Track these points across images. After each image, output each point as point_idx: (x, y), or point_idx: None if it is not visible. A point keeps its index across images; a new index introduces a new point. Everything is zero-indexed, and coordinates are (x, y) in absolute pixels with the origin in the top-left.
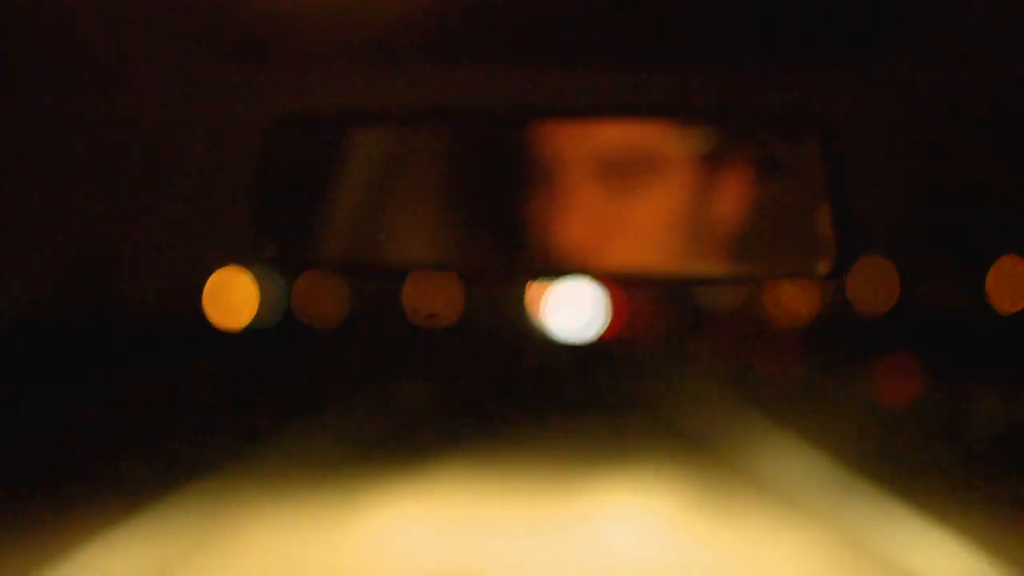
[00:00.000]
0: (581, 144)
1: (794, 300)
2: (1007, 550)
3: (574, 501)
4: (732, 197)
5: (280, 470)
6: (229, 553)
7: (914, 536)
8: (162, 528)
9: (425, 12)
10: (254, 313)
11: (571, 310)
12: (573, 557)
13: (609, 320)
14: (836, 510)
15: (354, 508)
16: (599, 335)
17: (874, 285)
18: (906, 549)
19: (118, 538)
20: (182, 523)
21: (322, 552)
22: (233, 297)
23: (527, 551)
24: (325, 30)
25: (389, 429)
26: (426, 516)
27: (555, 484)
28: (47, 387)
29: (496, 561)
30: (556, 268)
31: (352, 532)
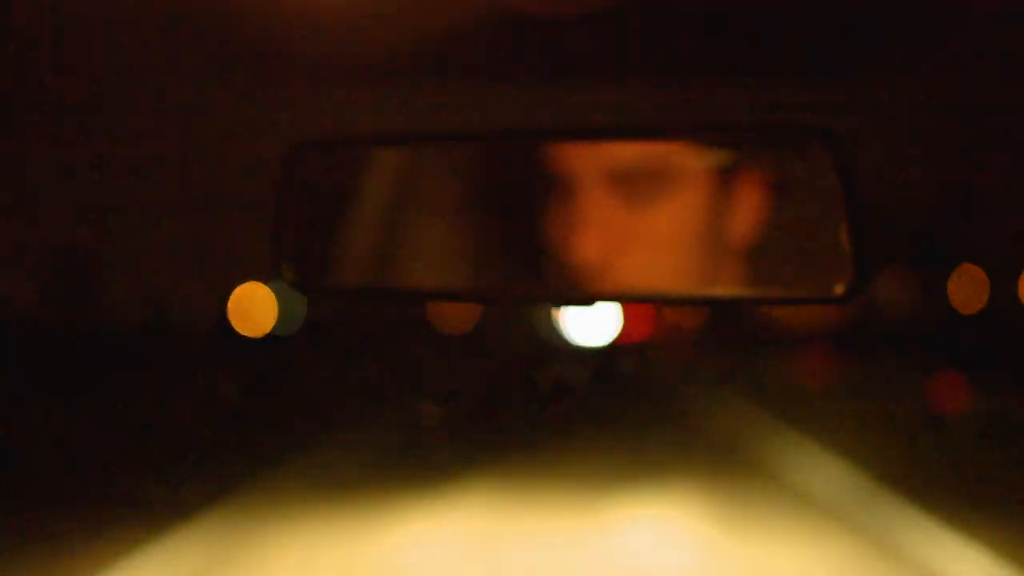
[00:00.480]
0: (597, 163)
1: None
2: None
3: (595, 514)
4: (747, 216)
5: (299, 486)
6: (252, 569)
7: (938, 545)
8: (184, 548)
9: (438, 34)
10: (274, 322)
11: (586, 314)
12: (594, 571)
13: (625, 325)
14: (860, 521)
15: (374, 525)
16: (615, 338)
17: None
18: (930, 559)
19: (141, 560)
20: (202, 541)
21: (344, 569)
22: (255, 307)
23: (548, 565)
24: (342, 54)
25: (407, 442)
26: (447, 532)
27: (575, 497)
28: (56, 397)
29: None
30: (574, 293)
31: (372, 550)
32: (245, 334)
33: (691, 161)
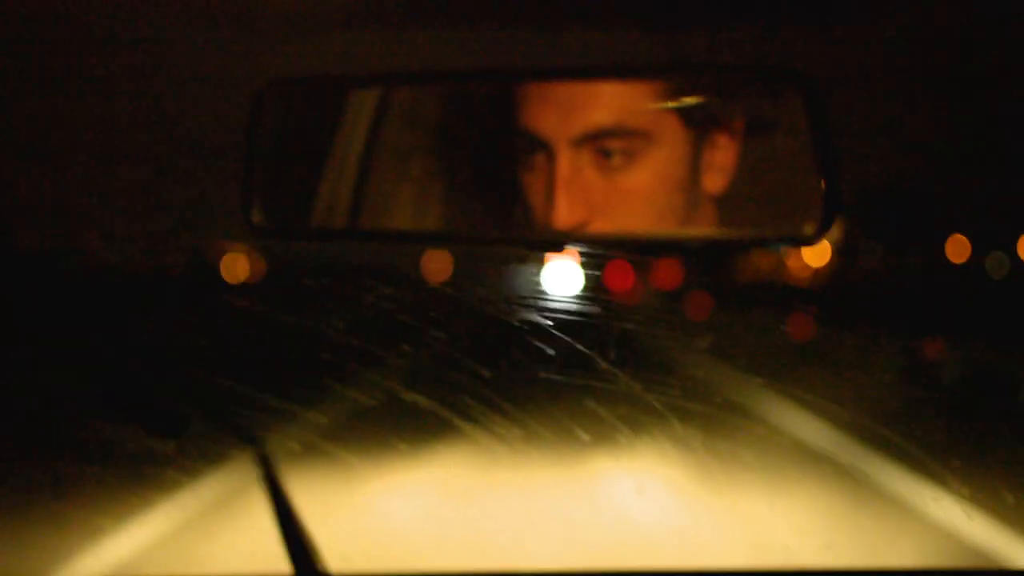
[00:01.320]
0: (570, 117)
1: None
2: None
3: (575, 467)
4: (720, 160)
5: (275, 438)
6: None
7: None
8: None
9: None
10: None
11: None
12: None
13: (605, 278)
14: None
15: (350, 476)
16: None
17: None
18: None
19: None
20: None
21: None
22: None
23: (528, 514)
24: None
25: (381, 397)
26: (424, 482)
27: (555, 451)
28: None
29: (496, 523)
30: (546, 238)
31: (348, 500)
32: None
33: (663, 114)
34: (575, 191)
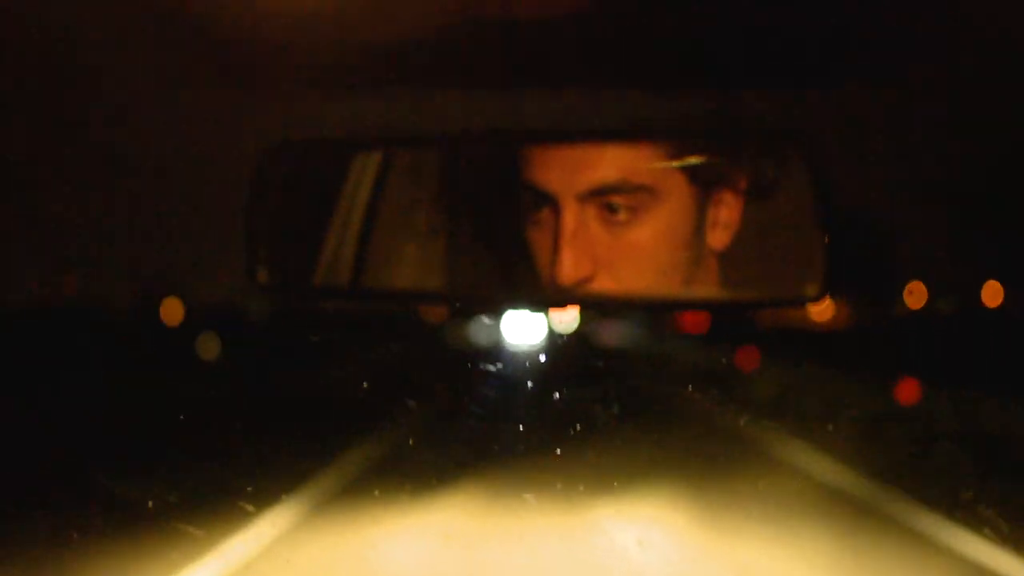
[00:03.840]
0: (574, 176)
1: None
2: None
3: (573, 515)
4: (723, 221)
5: (276, 484)
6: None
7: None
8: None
9: (417, 38)
10: None
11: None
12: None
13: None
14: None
15: (351, 522)
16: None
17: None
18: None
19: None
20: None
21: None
22: None
23: (530, 562)
24: (315, 56)
25: (388, 441)
26: (425, 529)
27: (553, 498)
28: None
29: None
30: (548, 297)
31: (348, 547)
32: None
33: (668, 172)
34: (580, 245)
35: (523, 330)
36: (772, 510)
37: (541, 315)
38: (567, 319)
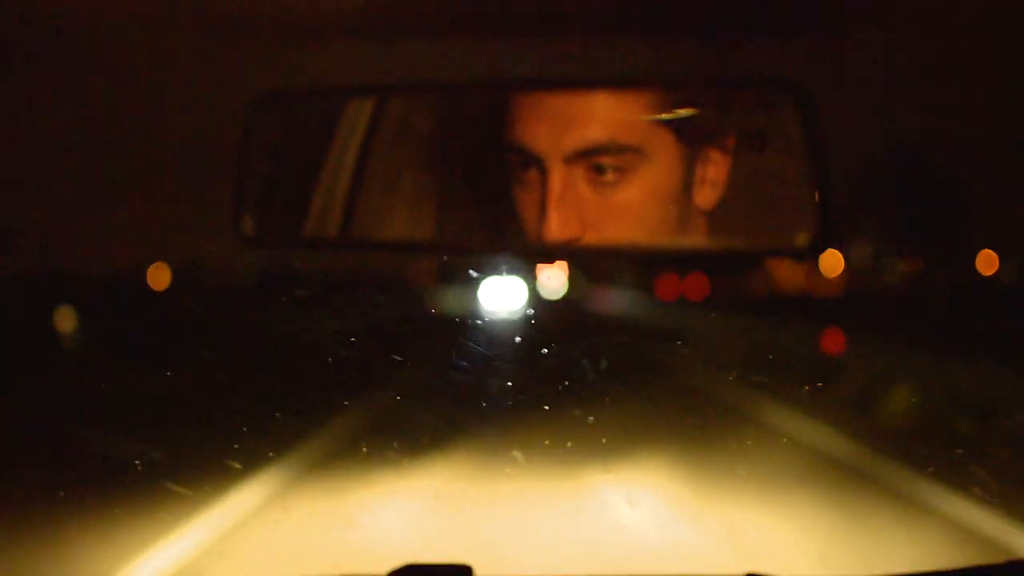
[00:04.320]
0: (563, 132)
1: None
2: None
3: (567, 479)
4: (714, 173)
5: (266, 446)
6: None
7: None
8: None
9: None
10: None
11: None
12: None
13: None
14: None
15: (340, 485)
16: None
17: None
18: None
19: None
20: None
21: (310, 526)
22: None
23: (520, 523)
24: (307, 4)
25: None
26: (415, 492)
27: (548, 461)
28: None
29: (487, 532)
30: (538, 248)
31: (337, 509)
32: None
33: (655, 131)
34: (567, 207)
35: (502, 297)
36: None
37: (522, 281)
38: (555, 284)
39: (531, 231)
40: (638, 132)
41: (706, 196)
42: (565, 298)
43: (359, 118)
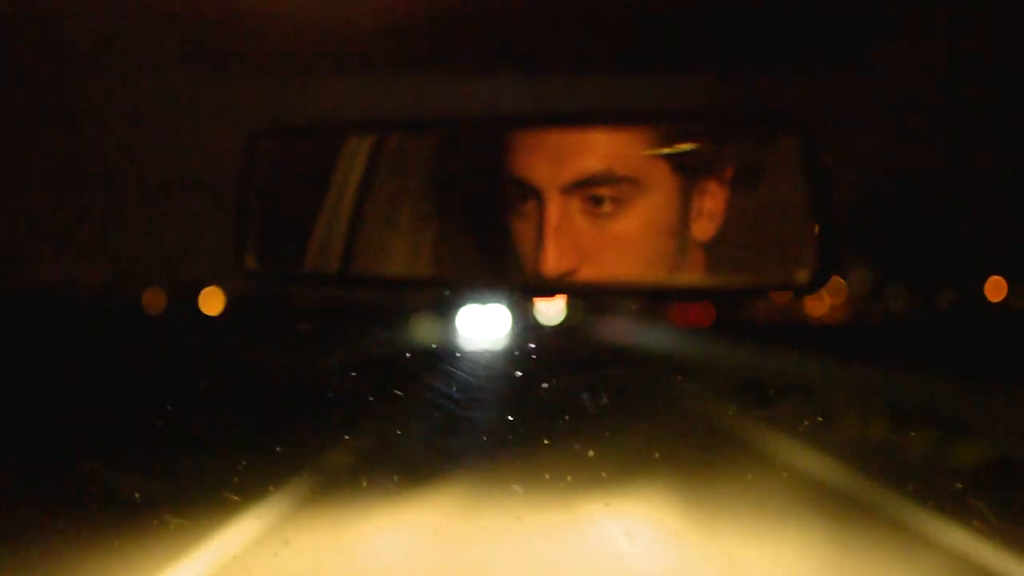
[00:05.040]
0: (561, 163)
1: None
2: None
3: (565, 511)
4: (713, 207)
5: (264, 479)
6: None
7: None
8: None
9: (408, 21)
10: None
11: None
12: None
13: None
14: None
15: (340, 518)
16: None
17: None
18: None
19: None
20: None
21: (311, 560)
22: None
23: (519, 557)
24: (307, 39)
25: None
26: (415, 525)
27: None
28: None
29: (486, 565)
30: (537, 284)
31: (338, 543)
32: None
33: (653, 162)
34: (564, 238)
35: (485, 325)
36: None
37: (505, 308)
38: (553, 311)
39: (528, 263)
40: (635, 164)
41: (704, 228)
42: (563, 325)
43: (358, 153)
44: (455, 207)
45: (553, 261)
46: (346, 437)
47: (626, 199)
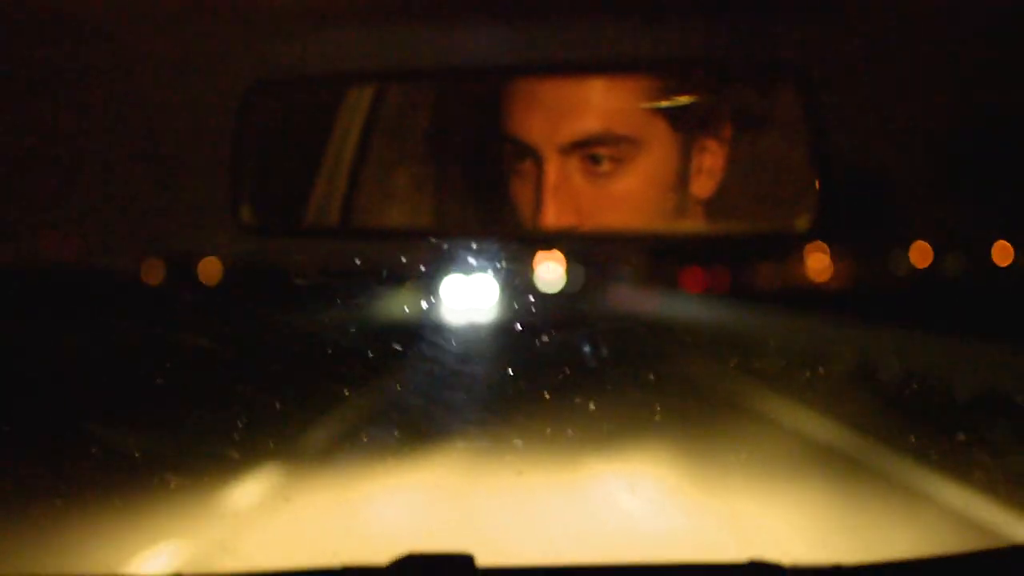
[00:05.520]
0: (558, 122)
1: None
2: None
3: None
4: (709, 165)
5: (271, 442)
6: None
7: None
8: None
9: None
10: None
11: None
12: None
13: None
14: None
15: (346, 479)
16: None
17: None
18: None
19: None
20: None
21: (317, 519)
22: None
23: (520, 512)
24: None
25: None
26: (420, 484)
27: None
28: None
29: (487, 520)
30: (537, 233)
31: (344, 502)
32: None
33: (651, 120)
34: (563, 198)
35: (467, 294)
36: None
37: (492, 276)
38: (552, 276)
39: (528, 220)
40: (634, 122)
41: (703, 185)
42: (563, 293)
43: (358, 106)
44: (454, 161)
45: (552, 219)
46: (346, 392)
47: (625, 158)
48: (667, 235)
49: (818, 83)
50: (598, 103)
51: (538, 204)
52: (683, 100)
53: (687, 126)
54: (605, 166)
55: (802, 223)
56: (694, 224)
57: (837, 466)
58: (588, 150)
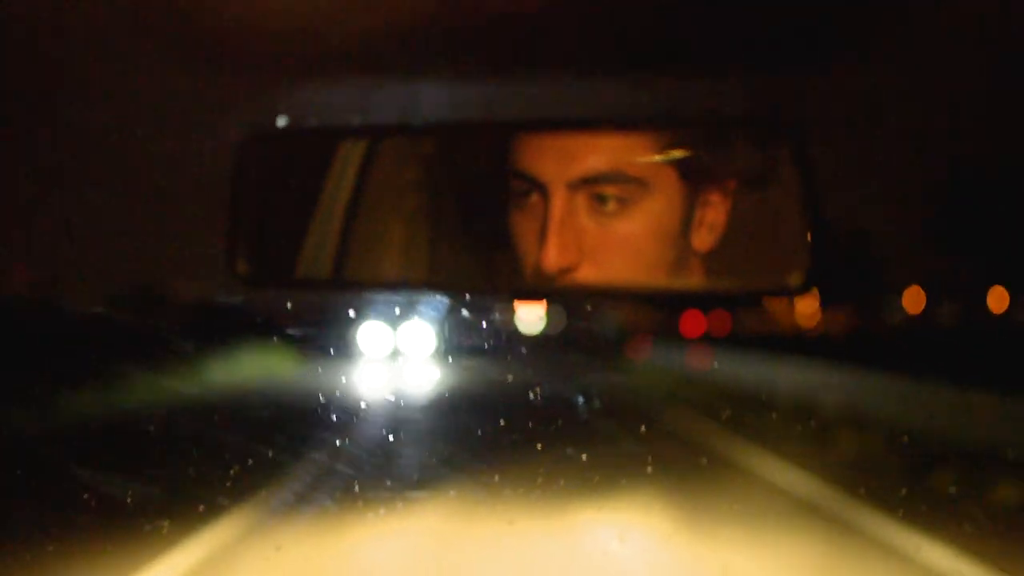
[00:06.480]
0: (562, 166)
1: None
2: None
3: (557, 516)
4: (711, 219)
5: (259, 483)
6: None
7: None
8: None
9: (403, 25)
10: None
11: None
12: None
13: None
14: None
15: (334, 524)
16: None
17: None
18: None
19: None
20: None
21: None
22: None
23: (511, 560)
24: (303, 42)
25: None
26: (408, 531)
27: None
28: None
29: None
30: (533, 286)
31: (332, 549)
32: None
33: (660, 166)
34: (567, 233)
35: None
36: None
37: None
38: (532, 318)
39: (528, 258)
40: (643, 166)
41: (704, 239)
42: (543, 335)
43: (352, 158)
44: (451, 209)
45: (554, 255)
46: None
47: (631, 200)
48: (664, 290)
49: (812, 143)
50: (608, 144)
51: (542, 238)
52: (681, 154)
53: (694, 176)
54: (611, 206)
55: (795, 279)
56: (691, 278)
57: (823, 522)
58: (596, 188)
